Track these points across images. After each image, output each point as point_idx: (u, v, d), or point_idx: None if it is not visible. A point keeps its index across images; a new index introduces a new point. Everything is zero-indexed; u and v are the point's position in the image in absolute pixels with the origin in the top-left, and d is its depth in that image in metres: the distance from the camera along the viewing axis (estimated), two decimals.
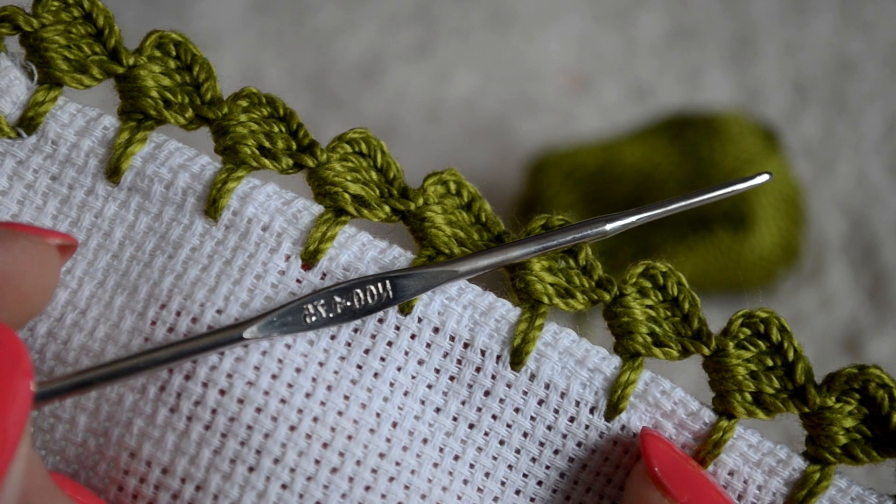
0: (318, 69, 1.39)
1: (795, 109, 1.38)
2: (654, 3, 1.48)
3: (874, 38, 1.44)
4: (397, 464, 0.54)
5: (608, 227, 0.56)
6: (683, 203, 0.56)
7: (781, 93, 1.39)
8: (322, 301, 0.54)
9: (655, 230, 1.17)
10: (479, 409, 0.56)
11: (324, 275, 0.56)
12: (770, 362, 0.56)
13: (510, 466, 0.56)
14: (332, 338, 0.55)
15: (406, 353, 0.56)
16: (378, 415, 0.55)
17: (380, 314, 0.55)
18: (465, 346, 0.56)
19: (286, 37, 1.42)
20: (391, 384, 0.55)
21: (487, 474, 0.56)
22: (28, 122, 0.56)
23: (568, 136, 1.31)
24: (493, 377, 0.56)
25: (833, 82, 1.40)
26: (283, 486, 0.53)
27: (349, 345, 0.55)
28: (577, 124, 1.36)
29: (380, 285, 0.54)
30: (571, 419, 0.56)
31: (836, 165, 1.33)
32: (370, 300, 0.54)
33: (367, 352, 0.55)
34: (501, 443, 0.56)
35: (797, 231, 1.20)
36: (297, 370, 0.54)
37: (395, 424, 0.55)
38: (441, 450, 0.55)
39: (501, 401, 0.56)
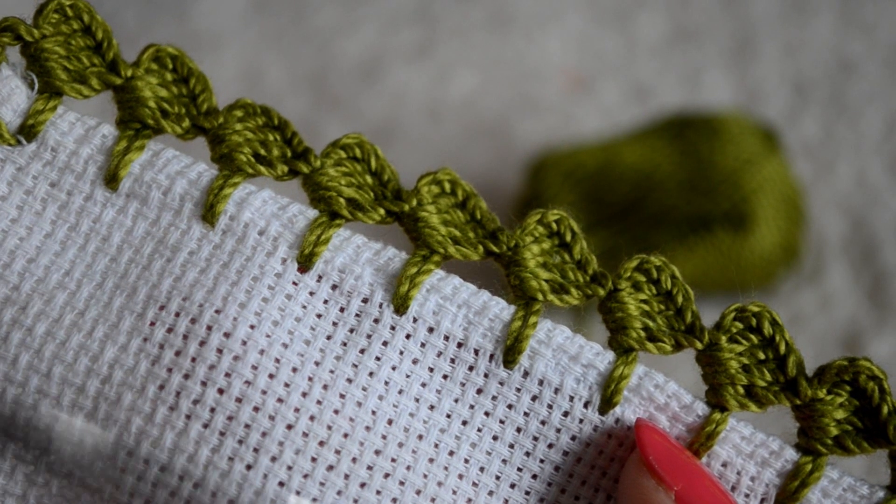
0: (318, 69, 1.39)
1: (795, 110, 1.37)
2: (654, 4, 1.47)
3: (874, 38, 1.43)
4: (393, 460, 0.55)
5: None
6: None
7: (781, 93, 1.39)
8: None
9: (655, 230, 1.17)
10: (472, 407, 0.56)
11: (319, 277, 0.56)
12: (762, 355, 0.56)
13: (504, 461, 0.56)
14: (329, 338, 0.56)
15: (401, 353, 0.56)
16: (374, 413, 0.55)
17: (375, 314, 0.56)
18: (459, 345, 0.56)
19: (286, 37, 1.42)
20: (386, 383, 0.56)
21: (482, 469, 0.56)
22: (28, 130, 0.56)
23: (568, 137, 1.30)
24: (486, 375, 0.56)
25: (833, 83, 1.40)
26: (281, 484, 0.53)
27: (345, 345, 0.56)
28: (578, 124, 1.35)
29: None
30: (565, 414, 0.56)
31: (836, 165, 1.32)
32: None
33: (362, 351, 0.56)
34: (495, 438, 0.56)
35: (797, 231, 1.19)
36: (294, 370, 0.55)
37: (390, 422, 0.55)
38: (436, 446, 0.56)
39: (494, 398, 0.56)
